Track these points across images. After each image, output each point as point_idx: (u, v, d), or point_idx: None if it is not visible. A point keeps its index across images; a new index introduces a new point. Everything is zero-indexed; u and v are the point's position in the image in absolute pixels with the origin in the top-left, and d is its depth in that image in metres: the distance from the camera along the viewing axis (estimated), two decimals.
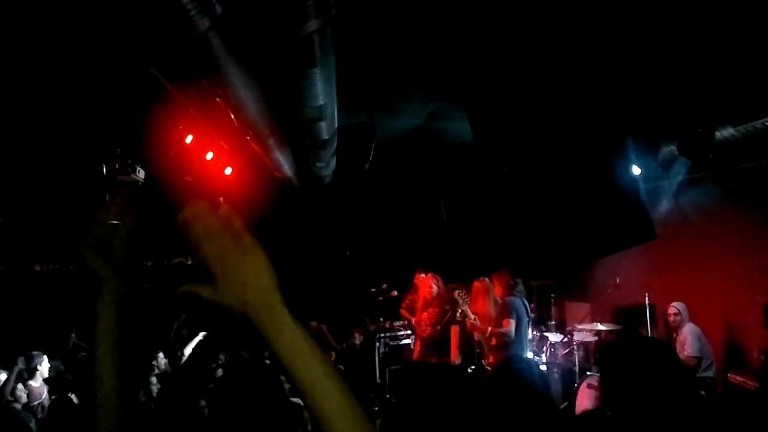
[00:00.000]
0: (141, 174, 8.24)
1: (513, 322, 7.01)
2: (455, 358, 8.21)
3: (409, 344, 9.91)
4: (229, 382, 2.34)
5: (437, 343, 8.28)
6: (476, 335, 7.90)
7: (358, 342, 11.19)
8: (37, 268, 15.36)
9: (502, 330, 7.04)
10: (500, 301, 7.44)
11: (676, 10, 4.96)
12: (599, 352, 2.18)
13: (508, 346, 7.00)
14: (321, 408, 1.16)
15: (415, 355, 8.77)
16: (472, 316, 7.46)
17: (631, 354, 2.12)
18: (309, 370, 1.18)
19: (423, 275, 9.93)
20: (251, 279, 1.21)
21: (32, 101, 6.97)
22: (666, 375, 2.03)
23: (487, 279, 7.69)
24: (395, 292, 9.76)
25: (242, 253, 1.22)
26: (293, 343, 1.19)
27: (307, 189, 10.97)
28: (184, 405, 4.94)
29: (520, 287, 7.38)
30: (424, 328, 8.44)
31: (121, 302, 1.52)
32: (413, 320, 9.75)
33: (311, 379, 1.18)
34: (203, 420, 4.66)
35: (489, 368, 7.43)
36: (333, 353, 9.45)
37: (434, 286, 8.52)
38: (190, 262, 14.75)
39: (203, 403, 5.26)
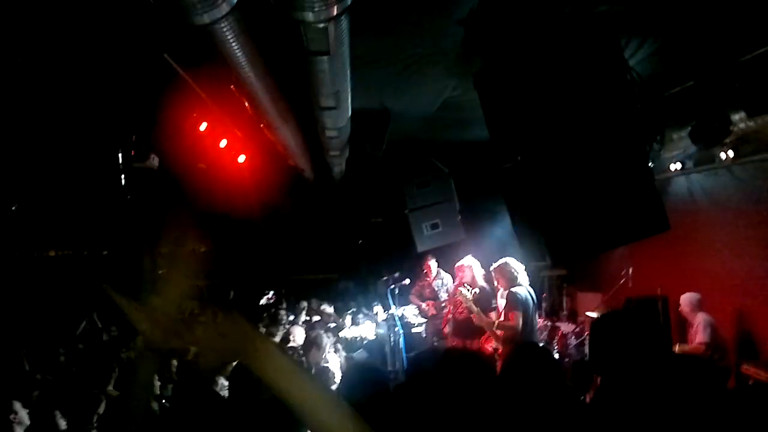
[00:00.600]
0: (155, 161, 8.30)
1: (520, 315, 6.92)
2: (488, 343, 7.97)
3: (420, 333, 9.94)
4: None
5: (468, 326, 8.06)
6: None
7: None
8: (52, 253, 15.48)
9: (509, 324, 6.96)
10: (506, 292, 7.30)
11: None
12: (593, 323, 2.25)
13: (516, 337, 6.96)
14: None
15: (445, 335, 8.67)
16: (476, 309, 7.36)
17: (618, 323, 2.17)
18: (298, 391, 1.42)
19: (433, 262, 9.95)
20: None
21: (49, 88, 7.03)
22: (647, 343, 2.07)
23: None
24: (408, 281, 9.77)
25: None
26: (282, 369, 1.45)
27: (321, 177, 11.01)
28: (201, 391, 5.01)
29: (523, 275, 7.21)
30: (461, 310, 8.13)
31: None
32: (423, 306, 9.77)
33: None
34: (220, 404, 4.73)
35: (497, 357, 7.39)
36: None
37: (467, 270, 8.23)
38: (203, 249, 14.82)
39: (220, 385, 5.33)
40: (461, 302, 7.76)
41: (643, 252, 8.97)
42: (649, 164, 6.14)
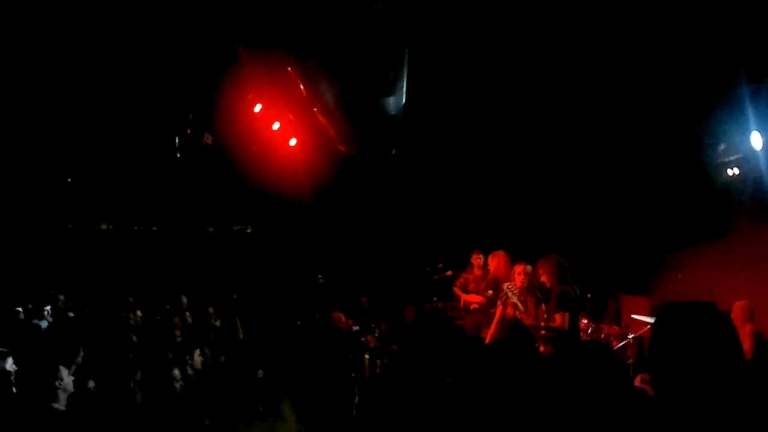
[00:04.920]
0: (210, 139, 8.41)
1: (567, 315, 6.65)
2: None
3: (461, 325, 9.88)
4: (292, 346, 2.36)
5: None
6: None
7: (409, 320, 11.23)
8: (104, 227, 15.85)
9: (556, 325, 6.70)
10: (552, 290, 7.04)
11: None
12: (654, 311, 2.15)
13: (560, 337, 6.73)
14: None
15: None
16: (522, 308, 7.09)
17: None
18: None
19: (479, 255, 9.83)
20: None
21: (108, 65, 7.17)
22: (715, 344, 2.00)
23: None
24: (450, 272, 9.71)
25: None
26: None
27: (370, 163, 11.01)
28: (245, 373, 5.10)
29: (569, 272, 6.96)
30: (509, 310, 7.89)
31: None
32: (464, 299, 9.66)
33: None
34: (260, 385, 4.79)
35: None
36: (377, 331, 9.36)
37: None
38: (249, 230, 15.04)
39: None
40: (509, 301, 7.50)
41: (694, 257, 8.76)
42: (708, 168, 6.01)
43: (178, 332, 8.37)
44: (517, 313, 7.31)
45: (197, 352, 6.73)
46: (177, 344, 7.55)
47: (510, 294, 7.25)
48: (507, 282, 7.50)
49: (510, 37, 5.95)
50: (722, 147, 7.44)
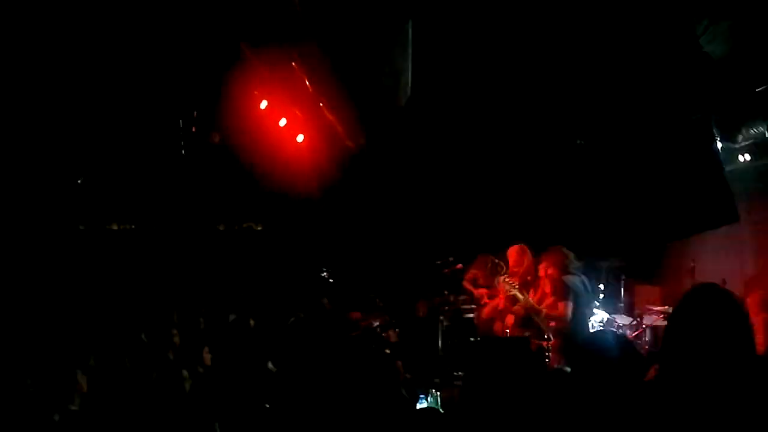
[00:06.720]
0: (216, 138, 8.41)
1: (570, 305, 6.72)
2: None
3: (472, 318, 9.85)
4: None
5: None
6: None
7: (421, 314, 11.22)
8: (114, 227, 15.85)
9: (557, 314, 6.76)
10: (556, 280, 7.02)
11: None
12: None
13: (566, 327, 6.75)
14: None
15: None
16: (522, 298, 7.05)
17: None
18: None
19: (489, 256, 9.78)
20: None
21: (112, 64, 7.18)
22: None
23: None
24: (461, 265, 9.67)
25: None
26: None
27: (378, 158, 10.98)
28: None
29: (576, 263, 7.01)
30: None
31: None
32: (476, 293, 9.60)
33: None
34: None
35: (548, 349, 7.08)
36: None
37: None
38: (259, 228, 15.03)
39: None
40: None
41: (708, 245, 8.66)
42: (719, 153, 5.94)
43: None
44: (518, 305, 7.21)
45: (206, 349, 6.74)
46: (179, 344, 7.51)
47: (508, 287, 7.17)
48: (504, 276, 7.40)
49: (516, 26, 5.92)
50: (733, 133, 7.37)
